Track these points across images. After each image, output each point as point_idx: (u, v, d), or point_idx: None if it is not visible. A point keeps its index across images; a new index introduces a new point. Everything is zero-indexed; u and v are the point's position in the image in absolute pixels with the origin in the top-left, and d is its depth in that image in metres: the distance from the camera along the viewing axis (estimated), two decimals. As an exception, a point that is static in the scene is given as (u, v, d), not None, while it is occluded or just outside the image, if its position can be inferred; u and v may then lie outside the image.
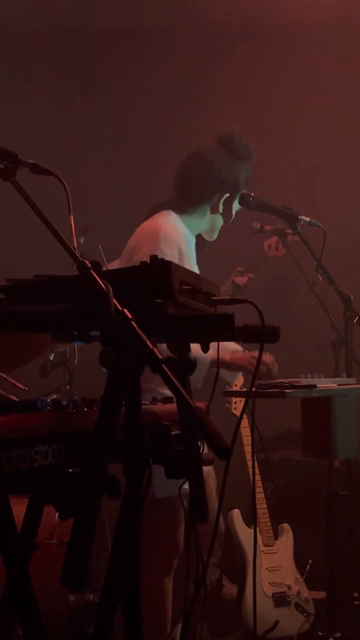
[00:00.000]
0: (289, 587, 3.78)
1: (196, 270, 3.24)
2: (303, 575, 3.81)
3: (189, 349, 1.86)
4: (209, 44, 5.45)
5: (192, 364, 1.87)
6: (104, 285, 1.53)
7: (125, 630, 1.60)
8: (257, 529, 3.74)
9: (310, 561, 3.83)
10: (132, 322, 1.46)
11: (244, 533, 3.76)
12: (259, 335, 1.72)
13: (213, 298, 1.84)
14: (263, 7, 5.21)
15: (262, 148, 5.17)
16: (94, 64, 5.53)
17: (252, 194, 3.33)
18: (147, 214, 3.35)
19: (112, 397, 1.51)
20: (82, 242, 3.80)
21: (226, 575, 4.53)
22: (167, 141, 5.24)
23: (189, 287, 1.71)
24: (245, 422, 3.61)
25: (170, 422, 1.86)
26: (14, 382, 2.95)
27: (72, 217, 1.83)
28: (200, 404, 2.20)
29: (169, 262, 1.63)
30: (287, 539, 3.89)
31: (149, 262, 1.63)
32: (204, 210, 3.23)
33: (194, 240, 3.26)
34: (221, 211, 3.25)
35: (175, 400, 1.82)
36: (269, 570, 3.76)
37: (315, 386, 2.68)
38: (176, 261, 3.03)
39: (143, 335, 1.45)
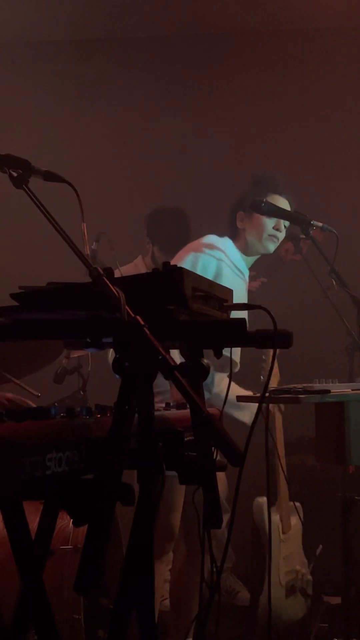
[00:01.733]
0: (297, 572, 3.67)
1: (243, 294, 3.49)
2: (311, 562, 3.68)
3: (201, 355, 1.86)
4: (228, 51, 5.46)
5: (205, 370, 1.87)
6: (117, 292, 1.53)
7: (141, 635, 1.60)
8: (279, 516, 3.64)
9: (320, 546, 3.72)
10: (145, 329, 1.47)
11: (267, 523, 3.54)
12: (272, 340, 1.71)
13: (225, 304, 1.84)
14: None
15: (277, 151, 5.21)
16: (103, 72, 5.56)
17: (265, 200, 3.33)
18: None
19: (125, 404, 1.51)
20: (95, 248, 3.81)
21: (241, 581, 4.52)
22: (181, 148, 5.26)
23: (202, 293, 1.71)
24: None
25: (184, 427, 1.86)
26: (27, 388, 2.96)
27: (84, 224, 1.84)
28: (214, 410, 2.21)
29: (181, 269, 1.64)
30: (297, 521, 3.75)
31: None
32: (238, 232, 3.50)
33: (243, 266, 3.50)
34: (240, 226, 3.49)
35: (188, 406, 1.83)
36: (284, 559, 3.64)
37: (329, 391, 2.67)
38: (213, 268, 3.30)
39: (155, 342, 1.45)
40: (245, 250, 3.52)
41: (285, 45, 5.39)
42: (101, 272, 1.57)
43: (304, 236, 3.51)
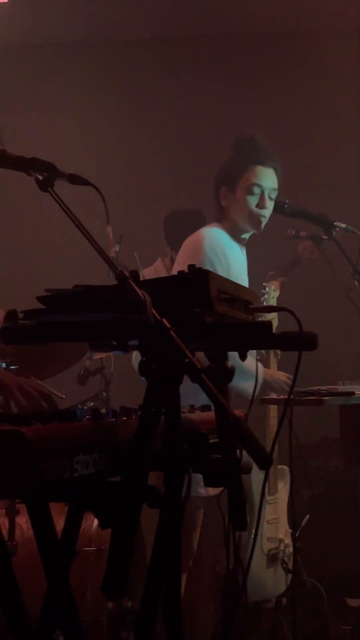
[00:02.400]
0: (280, 542, 3.45)
1: (244, 276, 3.29)
2: (297, 530, 3.31)
3: (226, 357, 1.86)
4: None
5: (229, 372, 1.87)
6: (143, 294, 1.53)
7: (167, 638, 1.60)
8: (266, 474, 3.16)
9: (307, 516, 3.48)
10: (171, 332, 1.47)
11: (256, 476, 3.16)
12: (297, 342, 1.71)
13: (251, 306, 1.84)
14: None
15: (299, 154, 5.19)
16: (128, 71, 5.57)
17: (287, 201, 3.33)
18: None
19: (152, 407, 1.51)
20: (117, 250, 3.81)
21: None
22: (204, 149, 5.26)
23: (227, 296, 1.71)
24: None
25: (208, 430, 1.86)
26: (52, 390, 2.97)
27: (109, 227, 1.84)
28: (239, 412, 2.20)
29: (207, 271, 1.64)
30: (285, 486, 3.52)
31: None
32: (224, 211, 3.25)
33: (238, 249, 3.27)
34: (224, 204, 3.23)
35: (213, 409, 1.83)
36: (268, 523, 3.38)
37: (353, 393, 2.66)
38: (225, 267, 3.12)
39: (182, 345, 1.45)
40: (233, 231, 3.26)
41: (314, 46, 5.37)
42: (127, 274, 1.58)
43: (326, 237, 3.50)
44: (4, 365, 2.74)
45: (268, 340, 1.67)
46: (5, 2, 5.04)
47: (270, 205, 3.22)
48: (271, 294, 3.46)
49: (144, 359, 1.55)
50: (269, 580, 3.39)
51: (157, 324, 1.49)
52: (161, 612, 1.54)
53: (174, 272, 3.21)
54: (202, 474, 1.84)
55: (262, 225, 3.25)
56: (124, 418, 1.67)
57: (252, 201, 3.18)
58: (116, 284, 1.60)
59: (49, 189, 1.80)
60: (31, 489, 1.27)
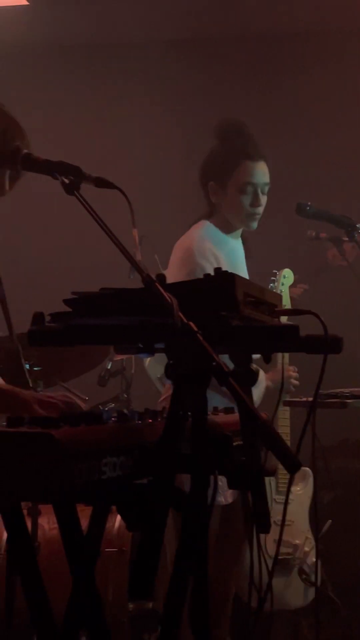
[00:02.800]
0: (295, 547, 3.21)
1: (241, 270, 3.15)
2: (319, 534, 3.21)
3: (251, 360, 1.86)
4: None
5: (254, 376, 1.87)
6: (169, 298, 1.54)
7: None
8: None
9: (330, 521, 3.32)
10: (198, 335, 1.48)
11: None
12: (322, 346, 1.71)
13: (276, 309, 1.84)
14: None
15: (322, 155, 5.18)
16: (148, 73, 5.58)
17: (310, 203, 3.32)
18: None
19: (179, 410, 1.52)
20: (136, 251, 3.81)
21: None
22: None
23: (253, 299, 1.71)
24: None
25: (232, 432, 1.86)
26: (74, 391, 2.98)
27: (135, 230, 1.85)
28: (263, 416, 2.21)
29: (233, 274, 1.64)
30: (305, 488, 3.31)
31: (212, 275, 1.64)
32: (214, 207, 3.09)
33: (232, 243, 3.12)
34: (214, 201, 3.07)
35: (238, 411, 1.83)
36: (276, 524, 2.96)
37: (376, 396, 2.66)
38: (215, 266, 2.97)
39: (209, 348, 1.46)
40: (225, 226, 3.08)
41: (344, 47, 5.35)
42: (154, 278, 1.58)
43: (347, 239, 3.50)
44: (27, 366, 2.75)
45: (294, 344, 1.67)
46: (27, 5, 5.06)
47: (264, 200, 3.07)
48: (281, 281, 3.33)
49: (171, 361, 1.55)
50: (277, 588, 3.07)
51: (184, 328, 1.50)
52: (188, 615, 1.55)
53: (168, 276, 3.09)
54: (226, 476, 1.84)
55: (257, 223, 3.11)
56: (150, 420, 1.68)
57: (246, 200, 3.02)
58: (143, 287, 1.60)
59: (75, 192, 1.82)
60: (61, 492, 1.28)
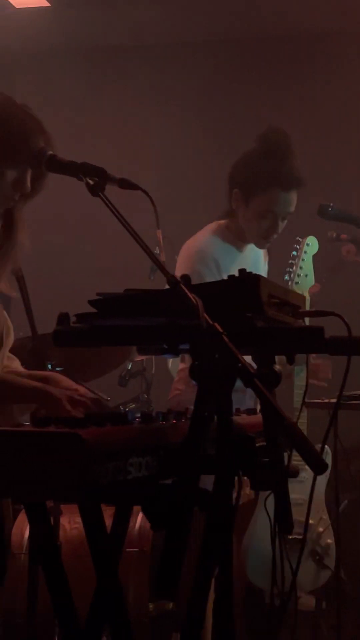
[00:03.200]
0: (310, 528, 3.15)
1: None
2: (332, 517, 3.12)
3: (274, 361, 1.86)
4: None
5: (277, 377, 1.88)
6: (194, 299, 1.54)
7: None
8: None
9: (346, 501, 3.25)
10: (224, 336, 1.48)
11: None
12: (347, 347, 1.71)
13: (300, 311, 1.84)
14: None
15: (343, 156, 5.17)
16: (168, 75, 5.59)
17: (332, 204, 3.30)
18: None
19: (203, 411, 1.52)
20: (158, 252, 3.82)
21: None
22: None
23: (277, 300, 1.71)
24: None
25: (255, 433, 1.87)
26: (97, 392, 2.99)
27: (159, 232, 1.85)
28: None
29: (258, 275, 1.64)
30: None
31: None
32: (233, 211, 3.01)
33: (244, 248, 3.06)
34: (234, 207, 2.98)
35: (262, 412, 1.84)
36: (296, 504, 2.97)
37: None
38: (215, 277, 2.89)
39: (235, 350, 1.46)
40: (238, 233, 3.00)
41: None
42: (178, 279, 1.59)
43: None
44: (49, 366, 2.77)
45: (318, 345, 1.67)
46: (48, 6, 5.08)
47: (282, 227, 3.01)
48: (304, 249, 3.20)
49: (196, 362, 1.56)
50: (289, 570, 3.08)
51: (210, 329, 1.50)
52: (213, 615, 1.55)
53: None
54: (249, 477, 1.84)
55: (268, 245, 3.06)
56: (174, 421, 1.68)
57: (263, 225, 2.96)
58: (167, 288, 1.61)
59: (100, 193, 1.82)
60: (87, 491, 1.29)
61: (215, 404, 1.53)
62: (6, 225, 2.06)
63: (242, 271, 1.64)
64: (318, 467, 1.32)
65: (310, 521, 3.17)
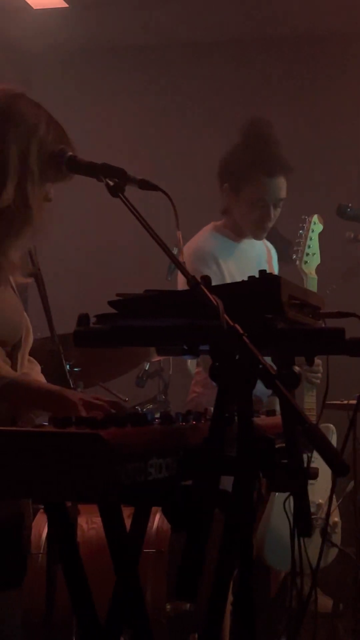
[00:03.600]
0: (318, 507, 3.20)
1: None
2: (340, 497, 3.22)
3: (294, 362, 1.86)
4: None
5: (297, 378, 1.87)
6: (215, 300, 1.54)
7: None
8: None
9: (352, 482, 3.27)
10: (244, 338, 1.48)
11: None
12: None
13: (320, 312, 1.84)
14: None
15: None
16: (185, 75, 5.59)
17: (350, 205, 3.30)
18: None
19: (223, 411, 1.52)
20: (177, 253, 3.83)
21: (319, 587, 4.48)
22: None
23: (297, 302, 1.71)
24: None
25: (275, 435, 1.86)
26: (115, 393, 3.00)
27: (179, 232, 1.85)
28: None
29: (278, 277, 1.64)
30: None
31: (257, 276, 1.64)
32: (228, 208, 3.02)
33: (243, 246, 3.06)
34: (226, 203, 3.01)
35: (282, 413, 1.83)
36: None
37: None
38: (217, 275, 2.93)
39: (255, 351, 1.46)
40: (236, 230, 3.03)
41: None
42: (199, 280, 1.59)
43: None
44: (67, 367, 2.77)
45: (339, 346, 1.67)
46: (66, 7, 5.10)
47: (276, 214, 3.02)
48: (311, 227, 3.22)
49: (216, 363, 1.56)
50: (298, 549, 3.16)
51: (230, 330, 1.50)
52: (233, 615, 1.55)
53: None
54: (269, 478, 1.84)
55: (264, 234, 3.07)
56: (194, 422, 1.68)
57: (256, 214, 2.98)
58: (187, 289, 1.61)
59: (120, 194, 1.82)
60: (108, 493, 1.29)
61: (236, 405, 1.53)
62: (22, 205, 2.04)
63: (262, 272, 1.64)
64: (339, 469, 1.31)
65: (320, 500, 3.21)
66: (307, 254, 3.17)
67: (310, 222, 3.21)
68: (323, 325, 1.80)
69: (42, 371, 2.27)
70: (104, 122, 5.57)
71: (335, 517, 3.28)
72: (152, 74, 5.61)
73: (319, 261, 3.18)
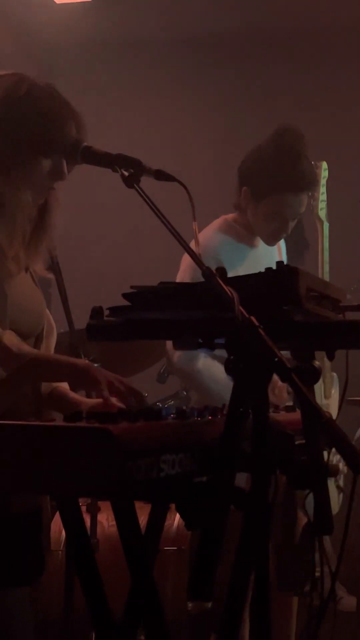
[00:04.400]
0: (334, 452, 3.35)
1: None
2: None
3: (313, 357, 1.82)
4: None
5: (317, 373, 1.83)
6: (230, 292, 1.50)
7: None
8: (322, 380, 3.25)
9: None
10: (260, 330, 1.44)
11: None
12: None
13: (341, 305, 1.79)
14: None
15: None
16: (209, 69, 5.54)
17: None
18: None
19: (239, 406, 1.48)
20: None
21: (343, 585, 4.42)
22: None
23: (316, 294, 1.66)
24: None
25: (294, 431, 1.82)
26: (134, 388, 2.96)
27: (195, 223, 1.81)
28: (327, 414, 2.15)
29: (296, 268, 1.60)
30: (336, 392, 3.42)
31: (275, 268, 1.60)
32: (243, 207, 2.92)
33: (250, 247, 2.98)
34: (243, 204, 2.90)
35: (300, 409, 1.79)
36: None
37: None
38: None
39: (271, 344, 1.42)
40: (247, 229, 2.93)
41: None
42: (214, 272, 1.55)
43: None
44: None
45: (359, 340, 1.62)
46: (89, 1, 5.07)
47: (291, 226, 2.94)
48: (322, 174, 3.25)
49: (231, 357, 1.52)
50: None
51: (245, 322, 1.46)
52: (250, 615, 1.51)
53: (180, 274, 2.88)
54: (287, 475, 1.80)
55: (276, 243, 2.99)
56: (210, 417, 1.64)
57: (272, 226, 2.89)
58: (202, 281, 1.57)
59: (135, 185, 1.79)
60: (119, 489, 1.25)
61: (251, 399, 1.49)
62: (41, 206, 2.04)
63: (279, 264, 1.60)
64: (358, 467, 1.27)
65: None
66: (322, 201, 3.25)
67: (321, 169, 3.23)
68: (342, 319, 1.75)
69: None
70: (126, 114, 5.55)
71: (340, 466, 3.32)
72: (175, 68, 5.57)
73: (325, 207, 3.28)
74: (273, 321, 1.52)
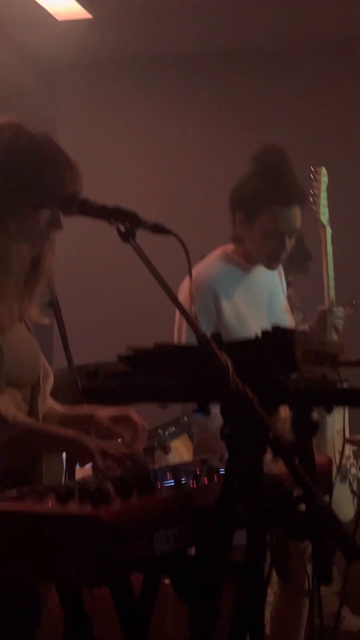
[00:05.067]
0: (348, 457, 3.22)
1: (274, 304, 2.99)
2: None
3: (312, 410, 1.80)
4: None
5: (315, 426, 1.81)
6: (225, 360, 1.49)
7: None
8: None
9: None
10: (254, 403, 1.42)
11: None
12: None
13: (339, 360, 1.77)
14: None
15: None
16: (210, 86, 5.53)
17: None
18: None
19: (234, 479, 1.47)
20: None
21: (348, 606, 4.40)
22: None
23: (313, 355, 1.65)
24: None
25: (292, 482, 1.80)
26: (142, 421, 2.93)
27: (191, 281, 1.79)
28: (324, 457, 2.14)
29: (292, 332, 1.59)
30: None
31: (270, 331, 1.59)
32: (239, 237, 2.89)
33: (253, 274, 2.94)
34: (239, 232, 2.86)
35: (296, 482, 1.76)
36: (337, 434, 3.13)
37: None
38: (209, 310, 2.76)
39: (266, 418, 1.40)
40: (248, 258, 2.90)
41: None
42: (208, 337, 1.53)
43: None
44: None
45: (355, 402, 1.61)
46: (91, 19, 5.05)
47: (289, 244, 2.89)
48: (322, 179, 3.30)
49: (225, 425, 1.50)
50: (342, 500, 3.16)
51: (240, 393, 1.44)
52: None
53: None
54: (285, 528, 1.79)
55: (278, 265, 2.97)
56: (206, 482, 1.62)
57: (270, 245, 2.84)
58: (198, 345, 1.55)
59: (131, 240, 1.77)
60: (111, 574, 1.24)
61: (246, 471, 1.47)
62: (35, 256, 2.03)
63: (275, 328, 1.58)
64: (352, 554, 1.25)
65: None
66: (324, 206, 3.28)
67: (321, 174, 3.28)
68: (338, 377, 1.72)
69: (61, 402, 2.22)
70: (128, 131, 5.52)
71: (355, 469, 3.32)
72: (177, 85, 5.54)
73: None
74: (269, 389, 1.50)
